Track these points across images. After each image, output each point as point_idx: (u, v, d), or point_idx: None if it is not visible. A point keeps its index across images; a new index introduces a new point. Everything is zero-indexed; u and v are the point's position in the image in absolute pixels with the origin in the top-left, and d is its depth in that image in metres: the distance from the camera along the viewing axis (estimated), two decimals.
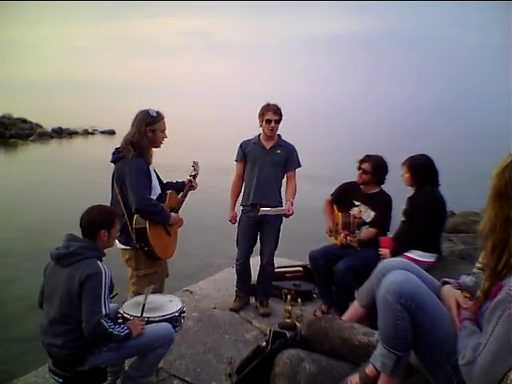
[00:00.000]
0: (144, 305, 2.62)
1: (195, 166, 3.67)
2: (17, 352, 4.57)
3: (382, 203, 3.77)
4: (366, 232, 3.76)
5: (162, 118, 3.23)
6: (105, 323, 2.30)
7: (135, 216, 3.08)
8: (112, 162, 3.21)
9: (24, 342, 4.62)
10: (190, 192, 3.53)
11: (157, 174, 3.36)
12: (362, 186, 3.85)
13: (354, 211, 3.85)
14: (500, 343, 1.51)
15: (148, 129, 3.11)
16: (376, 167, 3.76)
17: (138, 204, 3.02)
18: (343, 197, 3.98)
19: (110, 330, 2.32)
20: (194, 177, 3.61)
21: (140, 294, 3.08)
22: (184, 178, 3.59)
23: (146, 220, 3.07)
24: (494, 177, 1.64)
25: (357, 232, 3.77)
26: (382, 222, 3.74)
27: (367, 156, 3.84)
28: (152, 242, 3.07)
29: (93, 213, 2.51)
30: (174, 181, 3.58)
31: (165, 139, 3.26)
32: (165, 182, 3.46)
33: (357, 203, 3.86)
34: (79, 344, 2.35)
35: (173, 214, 3.27)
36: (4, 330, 5.09)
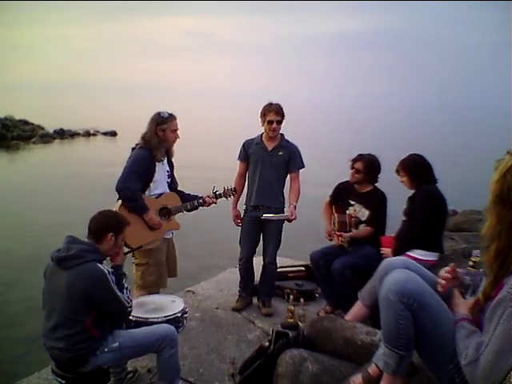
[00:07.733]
0: None
1: (227, 190, 3.76)
2: (19, 353, 4.58)
3: (375, 201, 3.79)
4: (360, 230, 3.79)
5: (173, 119, 3.43)
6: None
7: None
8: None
9: (26, 343, 4.63)
10: (200, 208, 3.61)
11: (172, 177, 3.55)
12: (355, 185, 3.87)
13: (350, 210, 3.88)
14: (502, 341, 1.50)
15: (158, 128, 3.34)
16: (368, 166, 3.78)
17: (117, 183, 3.22)
18: (340, 196, 4.00)
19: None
20: (217, 196, 3.70)
21: (137, 284, 3.40)
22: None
23: (123, 203, 3.23)
24: (494, 182, 1.58)
25: (353, 231, 3.80)
26: (376, 220, 3.75)
27: (359, 155, 3.86)
28: None
29: (104, 215, 2.55)
30: (192, 193, 3.67)
31: (177, 139, 3.47)
32: (186, 192, 3.63)
33: (352, 202, 3.89)
34: (81, 347, 2.34)
35: (152, 213, 3.29)
36: (6, 331, 5.10)
